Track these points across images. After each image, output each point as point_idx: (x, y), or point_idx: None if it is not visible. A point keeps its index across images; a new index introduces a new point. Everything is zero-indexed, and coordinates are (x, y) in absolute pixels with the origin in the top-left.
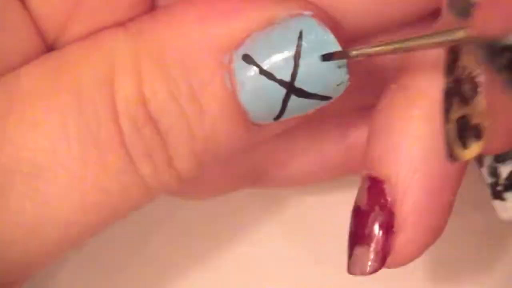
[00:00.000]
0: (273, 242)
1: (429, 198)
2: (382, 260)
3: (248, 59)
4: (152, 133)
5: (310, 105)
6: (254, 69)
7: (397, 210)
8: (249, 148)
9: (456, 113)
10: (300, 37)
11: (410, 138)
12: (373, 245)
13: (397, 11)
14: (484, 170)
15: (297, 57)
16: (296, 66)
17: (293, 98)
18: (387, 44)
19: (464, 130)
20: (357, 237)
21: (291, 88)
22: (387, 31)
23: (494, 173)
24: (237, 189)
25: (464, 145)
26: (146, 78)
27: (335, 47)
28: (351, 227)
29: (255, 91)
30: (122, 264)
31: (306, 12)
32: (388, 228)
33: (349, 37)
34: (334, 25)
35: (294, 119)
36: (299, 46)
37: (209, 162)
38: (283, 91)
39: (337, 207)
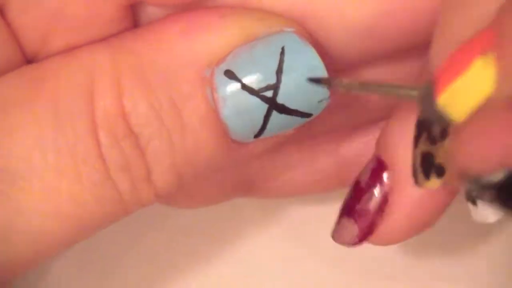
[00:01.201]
0: (274, 243)
1: (425, 196)
2: (364, 237)
3: (230, 74)
4: (132, 146)
5: (290, 122)
6: (236, 84)
7: (391, 198)
8: (229, 166)
9: (422, 146)
10: (282, 52)
11: None
12: (359, 222)
13: (382, 45)
14: None
15: (279, 72)
16: (278, 81)
17: (275, 114)
18: (370, 85)
19: (427, 164)
20: (348, 209)
21: (272, 104)
22: (372, 63)
23: None
24: (229, 199)
25: (427, 176)
26: (126, 90)
27: (317, 62)
28: (346, 198)
29: (237, 107)
30: (121, 264)
31: (288, 29)
32: (379, 211)
33: (337, 67)
34: (314, 41)
35: (273, 138)
36: (281, 61)
37: (187, 178)
38: (264, 106)
39: (338, 207)
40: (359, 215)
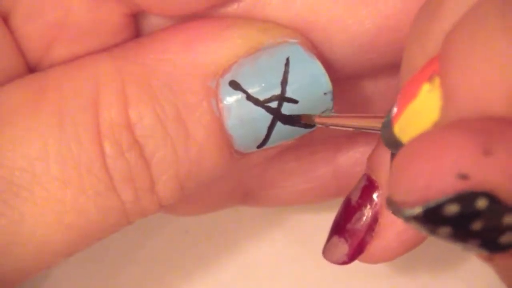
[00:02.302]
0: (274, 247)
1: None
2: (354, 256)
3: (234, 85)
4: (136, 157)
5: (293, 133)
6: (241, 95)
7: (381, 217)
8: (228, 175)
9: None
10: (287, 63)
11: None
12: (349, 241)
13: (383, 58)
14: None
15: (284, 83)
16: (283, 92)
17: (278, 124)
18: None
19: None
20: (339, 228)
21: (277, 115)
22: (373, 75)
23: None
24: (227, 207)
25: None
26: (132, 101)
27: (322, 73)
28: (336, 216)
29: (241, 117)
30: (122, 265)
31: (292, 40)
32: (368, 231)
33: (338, 77)
34: (318, 53)
35: (274, 148)
36: (286, 72)
37: (190, 188)
38: (269, 117)
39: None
40: (350, 234)
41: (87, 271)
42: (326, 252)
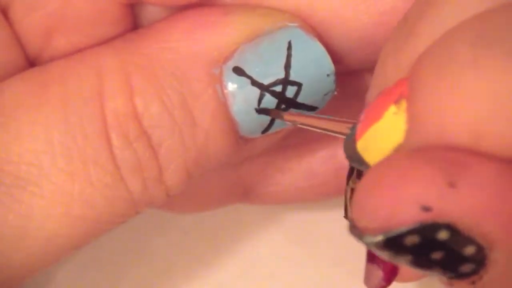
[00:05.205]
0: (274, 246)
1: None
2: (390, 280)
3: (238, 71)
4: (144, 147)
5: None
6: (245, 80)
7: None
8: (232, 162)
9: (352, 183)
10: (289, 47)
11: None
12: (382, 266)
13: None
14: None
15: (287, 67)
16: (287, 75)
17: (283, 108)
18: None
19: None
20: (370, 255)
21: (282, 98)
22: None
23: None
24: (225, 205)
25: None
26: (137, 91)
27: (324, 55)
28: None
29: (247, 102)
30: (123, 266)
31: (292, 24)
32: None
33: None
34: (317, 36)
35: (277, 134)
36: (289, 56)
37: (196, 175)
38: (274, 101)
39: (338, 209)
40: (381, 261)
41: (87, 271)
42: (365, 280)
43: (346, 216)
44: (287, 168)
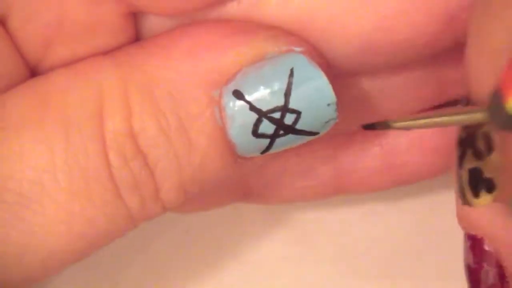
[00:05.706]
0: (275, 246)
1: None
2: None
3: (238, 94)
4: (141, 166)
5: (296, 141)
6: (244, 105)
7: (504, 263)
8: (236, 176)
9: (469, 164)
10: (291, 74)
11: None
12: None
13: (382, 58)
14: None
15: (287, 94)
16: (286, 103)
17: (282, 134)
18: (424, 117)
19: (476, 180)
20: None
21: (280, 125)
22: (372, 73)
23: None
24: (226, 205)
25: (476, 194)
26: (135, 111)
27: (326, 85)
28: (468, 284)
29: (244, 127)
30: (123, 266)
31: (297, 49)
32: (502, 280)
33: (336, 75)
34: (324, 62)
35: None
36: (289, 83)
37: (194, 193)
38: (272, 127)
39: (339, 210)
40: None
41: (87, 272)
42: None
43: (462, 200)
44: (287, 169)
